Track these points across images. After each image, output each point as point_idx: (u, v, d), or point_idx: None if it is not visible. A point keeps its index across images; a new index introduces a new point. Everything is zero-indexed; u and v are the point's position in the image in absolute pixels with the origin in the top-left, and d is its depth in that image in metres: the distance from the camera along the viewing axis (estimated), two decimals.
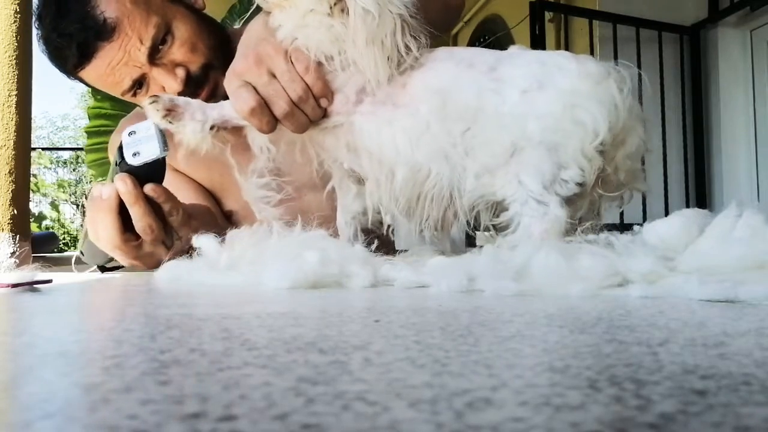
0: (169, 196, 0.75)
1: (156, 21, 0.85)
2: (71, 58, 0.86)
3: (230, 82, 0.68)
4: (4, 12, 1.16)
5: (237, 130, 0.73)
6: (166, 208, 0.75)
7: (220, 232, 0.77)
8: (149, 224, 0.73)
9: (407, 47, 0.65)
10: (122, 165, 0.72)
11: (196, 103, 0.71)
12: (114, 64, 0.86)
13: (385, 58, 0.64)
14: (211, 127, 0.70)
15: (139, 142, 0.71)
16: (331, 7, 0.63)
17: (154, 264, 0.78)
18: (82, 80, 0.92)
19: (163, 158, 0.73)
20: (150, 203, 0.73)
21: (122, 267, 0.90)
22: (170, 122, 0.70)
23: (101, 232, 0.74)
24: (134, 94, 0.90)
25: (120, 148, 0.73)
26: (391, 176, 0.68)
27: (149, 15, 0.85)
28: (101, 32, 0.84)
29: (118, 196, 0.72)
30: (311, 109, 0.67)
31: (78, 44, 0.84)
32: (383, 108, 0.67)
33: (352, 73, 0.67)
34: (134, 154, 0.72)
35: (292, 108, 0.66)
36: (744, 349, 0.25)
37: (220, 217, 0.98)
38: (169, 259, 0.76)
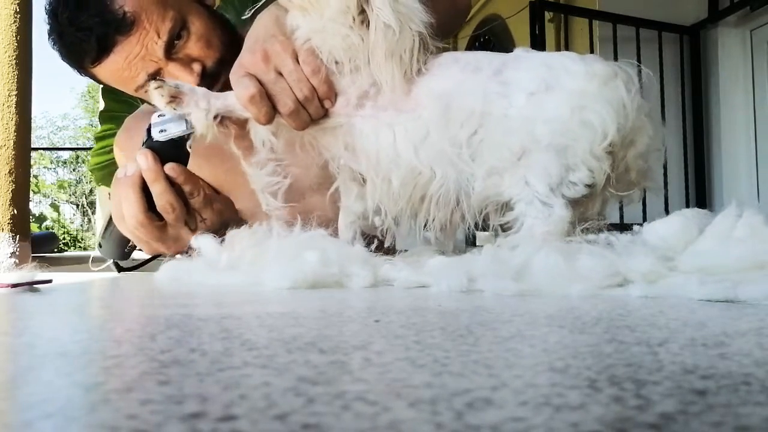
0: (190, 177, 0.75)
1: (172, 15, 0.86)
2: (90, 52, 0.86)
3: (235, 72, 0.69)
4: (4, 12, 1.16)
5: (241, 124, 0.73)
6: (187, 189, 0.75)
7: (238, 222, 0.76)
8: (170, 202, 0.73)
9: (418, 61, 0.67)
10: (147, 142, 0.73)
11: (201, 91, 0.72)
12: (131, 59, 0.86)
13: (403, 72, 0.65)
14: (215, 117, 0.70)
15: (167, 121, 0.73)
16: (353, 18, 0.64)
17: (179, 249, 0.78)
18: (94, 77, 0.92)
19: (189, 137, 0.73)
20: (172, 183, 0.73)
21: (139, 266, 0.90)
22: (174, 108, 0.70)
23: (125, 209, 0.74)
24: (147, 90, 0.90)
25: (148, 128, 0.73)
26: (388, 178, 0.68)
27: (166, 9, 0.86)
28: (120, 26, 0.84)
29: (141, 176, 0.72)
30: (315, 109, 0.69)
31: (97, 37, 0.85)
32: (384, 113, 0.67)
33: (356, 78, 0.68)
34: (161, 131, 0.72)
35: (298, 107, 0.68)
36: (744, 349, 0.25)
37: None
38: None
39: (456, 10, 0.97)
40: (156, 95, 0.70)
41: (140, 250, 0.97)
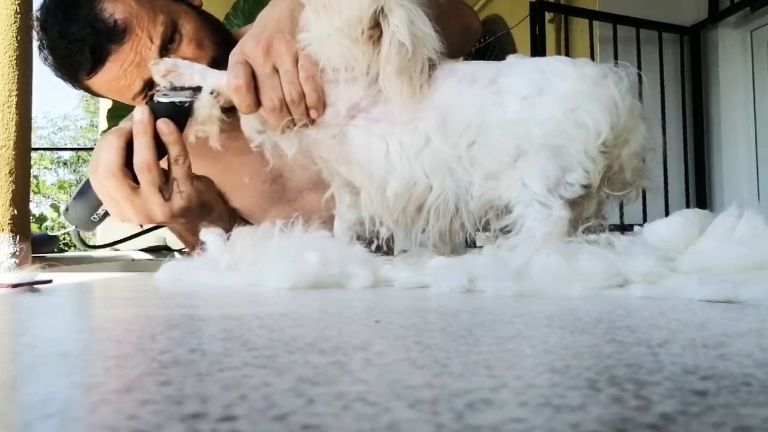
0: (180, 140, 0.73)
1: (163, 19, 0.86)
2: (84, 63, 0.85)
3: (234, 55, 0.70)
4: (5, 12, 1.16)
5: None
6: (174, 152, 0.73)
7: (226, 212, 0.77)
8: (148, 161, 0.71)
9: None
10: (148, 103, 0.73)
11: (200, 67, 0.73)
12: (126, 66, 0.86)
13: (411, 90, 0.66)
14: (211, 93, 0.71)
15: (173, 90, 0.74)
16: (363, 31, 0.64)
17: (145, 217, 0.75)
18: (89, 89, 0.91)
19: (189, 106, 0.73)
20: (160, 149, 0.72)
21: (110, 245, 0.87)
22: (170, 81, 0.72)
23: (102, 156, 0.72)
24: (144, 97, 0.90)
25: (151, 97, 0.75)
26: (382, 189, 0.69)
27: (155, 14, 0.86)
28: (113, 34, 0.83)
29: (131, 130, 0.72)
30: (299, 114, 0.69)
31: (91, 48, 0.84)
32: (377, 124, 0.68)
33: (350, 88, 0.68)
34: (164, 95, 0.73)
35: (282, 106, 0.68)
36: (744, 350, 0.25)
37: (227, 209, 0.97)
38: (164, 219, 0.75)
39: (468, 35, 0.99)
40: (154, 68, 0.72)
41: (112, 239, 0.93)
